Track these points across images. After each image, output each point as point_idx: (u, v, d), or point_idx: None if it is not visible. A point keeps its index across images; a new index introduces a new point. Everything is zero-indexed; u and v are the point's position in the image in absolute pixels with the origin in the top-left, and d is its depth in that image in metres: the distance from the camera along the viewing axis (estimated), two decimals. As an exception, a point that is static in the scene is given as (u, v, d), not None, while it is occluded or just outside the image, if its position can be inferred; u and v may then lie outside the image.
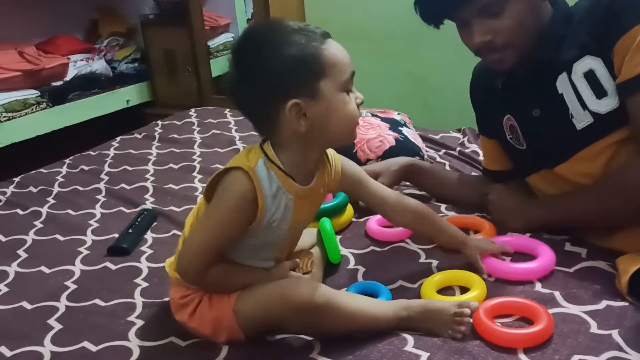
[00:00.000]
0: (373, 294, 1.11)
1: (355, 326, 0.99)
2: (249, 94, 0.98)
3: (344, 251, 1.30)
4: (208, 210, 1.00)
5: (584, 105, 1.15)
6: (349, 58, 1.00)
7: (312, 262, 1.12)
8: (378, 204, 1.17)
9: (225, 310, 1.00)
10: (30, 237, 1.49)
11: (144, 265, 1.31)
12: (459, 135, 1.98)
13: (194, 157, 1.99)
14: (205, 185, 1.07)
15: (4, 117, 2.32)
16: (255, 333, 1.01)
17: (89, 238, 1.47)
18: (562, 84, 1.17)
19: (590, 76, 1.13)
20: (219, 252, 1.00)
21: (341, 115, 0.99)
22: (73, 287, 1.25)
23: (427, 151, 1.80)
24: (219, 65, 3.21)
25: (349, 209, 1.43)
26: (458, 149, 1.85)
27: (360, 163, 1.67)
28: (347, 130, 1.03)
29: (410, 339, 0.99)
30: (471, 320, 0.99)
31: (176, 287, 1.06)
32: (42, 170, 1.97)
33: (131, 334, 1.07)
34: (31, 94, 2.49)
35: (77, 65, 2.82)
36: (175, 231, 1.48)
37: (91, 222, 1.56)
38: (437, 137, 1.97)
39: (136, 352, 1.02)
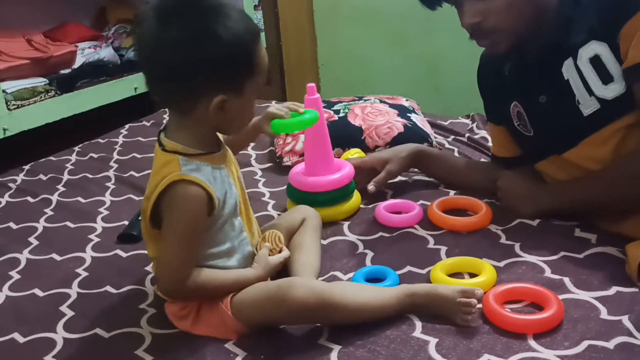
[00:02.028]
0: (381, 278, 1.12)
1: (357, 318, 0.99)
2: (178, 67, 0.93)
3: (353, 237, 1.30)
4: (169, 230, 0.97)
5: (590, 91, 1.14)
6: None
7: (279, 237, 1.13)
8: None
9: (226, 315, 1.00)
10: (41, 225, 1.50)
11: (154, 252, 1.32)
12: (467, 121, 1.97)
13: (203, 144, 1.99)
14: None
15: (13, 105, 2.32)
16: (262, 328, 1.01)
17: (99, 225, 1.48)
18: (568, 69, 1.16)
19: (596, 61, 1.12)
20: (195, 260, 1.00)
21: (246, 116, 1.02)
22: (84, 274, 1.26)
23: (435, 137, 1.80)
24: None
25: (357, 196, 1.44)
26: (467, 135, 1.85)
27: (368, 150, 1.67)
28: (241, 128, 1.05)
29: (418, 324, 0.99)
30: (480, 306, 0.99)
31: (171, 303, 1.05)
32: (51, 157, 1.98)
33: (143, 321, 1.08)
34: (39, 81, 2.48)
35: (85, 53, 2.80)
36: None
37: (101, 209, 1.57)
38: (446, 123, 1.96)
39: (148, 339, 1.03)
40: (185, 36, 0.91)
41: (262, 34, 3.06)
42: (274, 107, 1.17)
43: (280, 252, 1.12)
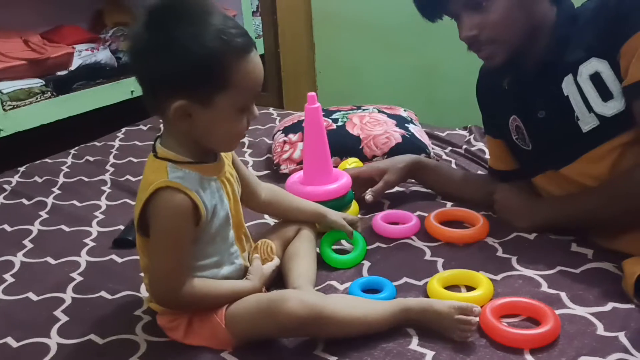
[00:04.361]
0: (377, 289, 1.12)
1: (351, 332, 0.98)
2: (144, 69, 0.95)
3: (350, 247, 1.30)
4: (156, 237, 0.96)
5: (589, 108, 1.15)
6: (260, 78, 0.98)
7: (271, 247, 1.13)
8: (245, 184, 1.15)
9: (219, 327, 0.99)
10: (35, 228, 1.49)
11: (149, 258, 1.31)
12: (465, 133, 1.98)
13: (199, 149, 1.98)
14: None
15: (9, 105, 2.31)
16: (254, 341, 1.00)
17: (95, 229, 1.47)
18: (567, 85, 1.17)
19: (596, 78, 1.13)
20: (187, 269, 0.99)
21: (224, 131, 0.98)
22: (79, 279, 1.25)
23: (433, 148, 1.80)
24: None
25: (355, 206, 1.43)
26: (464, 146, 1.85)
27: (366, 159, 1.67)
28: (226, 145, 1.03)
29: (414, 337, 0.99)
30: (477, 319, 0.99)
31: (161, 315, 1.04)
32: (47, 160, 1.97)
33: (138, 328, 1.07)
34: (36, 83, 2.47)
35: (82, 55, 2.80)
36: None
37: (96, 213, 1.56)
38: (444, 134, 1.96)
39: (143, 347, 1.02)
40: (151, 41, 0.92)
41: (260, 41, 3.09)
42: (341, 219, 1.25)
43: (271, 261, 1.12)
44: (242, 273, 1.08)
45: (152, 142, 1.04)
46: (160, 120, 1.04)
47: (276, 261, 1.12)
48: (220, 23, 0.93)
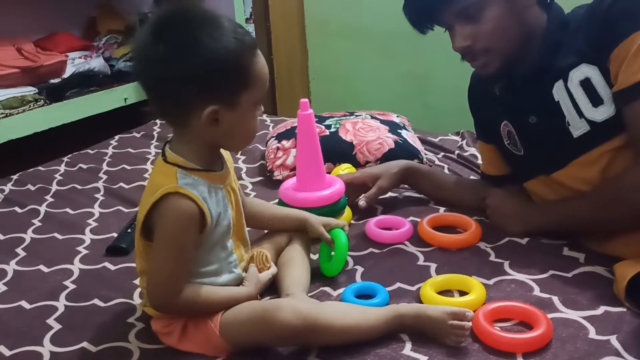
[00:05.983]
0: (371, 295, 1.12)
1: (345, 341, 0.98)
2: (166, 80, 0.94)
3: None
4: (160, 242, 0.97)
5: (580, 113, 1.15)
6: (268, 72, 1.01)
7: (266, 256, 1.14)
8: None
9: (213, 333, 0.99)
10: (28, 236, 1.49)
11: (143, 265, 1.31)
12: (457, 138, 1.99)
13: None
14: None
15: (1, 114, 2.30)
16: (248, 349, 1.00)
17: (88, 237, 1.47)
18: (558, 91, 1.18)
19: (586, 84, 1.14)
20: (186, 275, 0.99)
21: (246, 129, 1.01)
22: (72, 286, 1.25)
23: (425, 154, 1.81)
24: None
25: (348, 211, 1.44)
26: (457, 152, 1.86)
27: (359, 165, 1.68)
28: (245, 142, 1.06)
29: (408, 342, 0.99)
30: (469, 324, 0.99)
31: (156, 320, 1.04)
32: (40, 168, 1.97)
33: (131, 335, 1.07)
34: (29, 90, 2.46)
35: (75, 63, 2.79)
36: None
37: (90, 221, 1.56)
38: (436, 140, 1.97)
39: (137, 354, 1.02)
40: (170, 50, 0.92)
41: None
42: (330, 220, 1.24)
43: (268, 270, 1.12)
44: (240, 282, 1.08)
45: (150, 147, 1.04)
46: (157, 128, 1.04)
47: (273, 269, 1.13)
48: (228, 24, 0.96)
